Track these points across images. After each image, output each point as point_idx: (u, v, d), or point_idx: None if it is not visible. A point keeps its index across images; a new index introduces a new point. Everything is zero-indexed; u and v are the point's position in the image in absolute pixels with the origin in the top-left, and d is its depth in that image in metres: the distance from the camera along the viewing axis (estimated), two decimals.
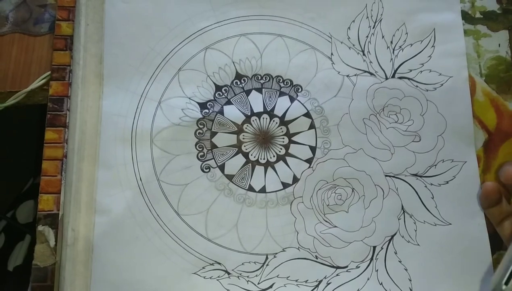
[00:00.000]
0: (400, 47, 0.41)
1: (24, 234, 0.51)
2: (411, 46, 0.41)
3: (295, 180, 0.37)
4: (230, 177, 0.37)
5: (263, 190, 0.37)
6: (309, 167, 0.38)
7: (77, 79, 0.38)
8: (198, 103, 0.38)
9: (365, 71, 0.40)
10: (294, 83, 0.39)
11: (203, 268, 0.35)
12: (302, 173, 0.37)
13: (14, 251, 0.50)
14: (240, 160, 0.38)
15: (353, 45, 0.40)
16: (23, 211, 0.52)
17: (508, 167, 0.34)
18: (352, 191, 0.38)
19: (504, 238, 0.35)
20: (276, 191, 0.37)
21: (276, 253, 0.36)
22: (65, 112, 0.38)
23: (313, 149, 0.38)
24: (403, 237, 0.37)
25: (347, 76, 0.40)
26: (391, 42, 0.41)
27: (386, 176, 0.38)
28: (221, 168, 0.37)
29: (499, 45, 0.42)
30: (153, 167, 0.37)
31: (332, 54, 0.40)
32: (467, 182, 0.39)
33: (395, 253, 0.37)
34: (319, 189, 0.37)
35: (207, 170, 0.37)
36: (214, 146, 0.38)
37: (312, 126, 0.38)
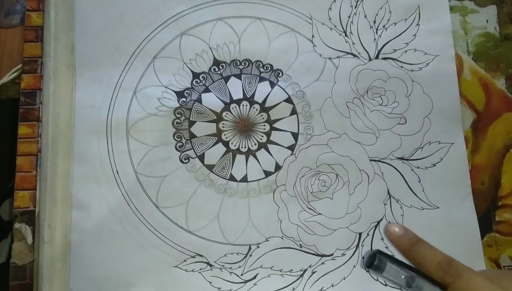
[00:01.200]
0: (384, 26, 0.39)
1: (8, 231, 0.50)
2: (395, 25, 0.39)
3: (278, 167, 0.37)
4: (210, 167, 0.36)
5: (244, 179, 0.36)
6: (291, 154, 0.37)
7: (49, 71, 0.37)
8: (175, 92, 0.37)
9: (348, 53, 0.39)
10: (274, 68, 0.38)
11: (185, 260, 0.35)
12: (284, 160, 0.37)
13: None
14: (220, 149, 0.37)
15: (335, 26, 0.39)
16: (7, 208, 0.51)
17: (388, 226, 0.32)
18: (336, 177, 0.37)
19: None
20: (258, 180, 0.36)
21: (259, 243, 0.35)
22: (38, 106, 0.37)
23: (295, 135, 0.37)
24: (389, 222, 0.36)
25: (329, 58, 0.39)
26: (374, 21, 0.39)
27: (371, 160, 0.37)
28: (201, 158, 0.36)
29: (487, 21, 0.41)
30: (130, 159, 0.36)
31: (313, 36, 0.39)
32: (455, 164, 0.38)
33: (382, 239, 0.36)
34: (302, 176, 0.36)
35: (186, 161, 0.36)
36: (192, 136, 0.36)
37: (293, 112, 0.37)
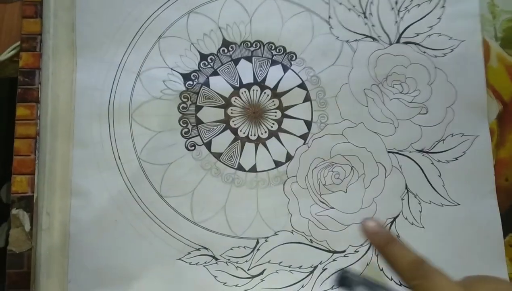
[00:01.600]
0: (406, 8, 0.37)
1: (8, 215, 0.49)
2: (418, 7, 0.37)
3: (289, 157, 0.35)
4: (217, 155, 0.34)
5: (253, 169, 0.34)
6: (304, 143, 0.35)
7: (48, 50, 0.35)
8: (181, 74, 0.35)
9: (367, 36, 0.36)
10: (287, 51, 0.36)
11: (189, 253, 0.33)
12: (296, 150, 0.35)
13: None
14: (228, 136, 0.35)
15: (353, 6, 0.37)
16: (7, 190, 0.50)
17: (364, 222, 0.30)
18: (351, 169, 0.35)
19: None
20: (267, 170, 0.34)
21: (268, 237, 0.34)
22: (37, 86, 0.35)
23: (308, 124, 0.35)
24: (406, 219, 0.34)
25: (347, 41, 0.36)
26: (396, 2, 0.37)
27: (388, 152, 0.35)
28: (208, 145, 0.34)
29: None
30: (133, 144, 0.34)
31: (330, 17, 0.36)
32: (479, 158, 0.36)
33: (398, 236, 0.34)
34: (315, 167, 0.35)
35: (192, 148, 0.34)
36: (199, 121, 0.35)
37: (307, 98, 0.35)
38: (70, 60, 0.35)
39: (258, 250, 0.34)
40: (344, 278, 0.28)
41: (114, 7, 0.35)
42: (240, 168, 0.34)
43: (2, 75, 0.37)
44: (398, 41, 0.36)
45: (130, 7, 0.35)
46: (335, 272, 0.32)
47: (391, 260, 0.29)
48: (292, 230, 0.34)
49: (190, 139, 0.35)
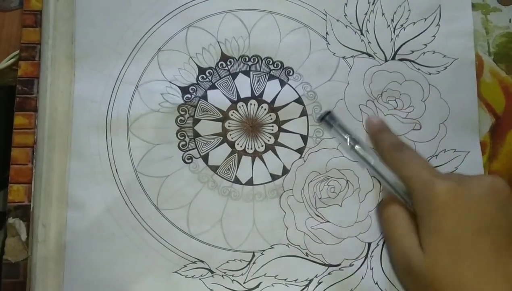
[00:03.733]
0: (402, 25, 0.38)
1: (3, 223, 0.48)
2: (413, 25, 0.38)
3: (285, 171, 0.35)
4: (214, 168, 0.35)
5: (250, 182, 0.35)
6: (300, 157, 0.35)
7: (46, 60, 0.35)
8: (180, 87, 0.35)
9: (363, 52, 0.37)
10: (285, 66, 0.36)
11: (185, 266, 0.33)
12: (292, 163, 0.35)
13: None
14: (225, 149, 0.35)
15: (350, 23, 0.37)
16: (1, 199, 0.50)
17: (368, 118, 0.35)
18: (347, 183, 0.35)
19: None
20: (264, 183, 0.35)
21: (264, 250, 0.34)
22: (35, 95, 0.35)
23: (304, 138, 0.35)
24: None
25: (343, 57, 0.37)
26: (392, 20, 0.38)
27: None
28: (205, 158, 0.35)
29: (510, 20, 0.39)
30: (130, 157, 0.34)
31: (327, 33, 0.37)
32: (470, 173, 0.36)
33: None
34: (311, 181, 0.35)
35: (190, 161, 0.35)
36: (197, 134, 0.35)
37: (303, 113, 0.36)
38: (68, 71, 0.35)
39: (254, 263, 0.34)
40: (327, 115, 0.34)
41: (114, 20, 0.35)
42: (237, 181, 0.35)
43: (1, 84, 0.37)
44: (393, 58, 0.37)
45: (130, 20, 0.36)
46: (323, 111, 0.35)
47: (378, 143, 0.34)
48: (288, 244, 0.34)
49: (187, 152, 0.35)
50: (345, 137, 0.33)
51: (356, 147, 0.33)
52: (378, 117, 0.35)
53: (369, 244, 0.35)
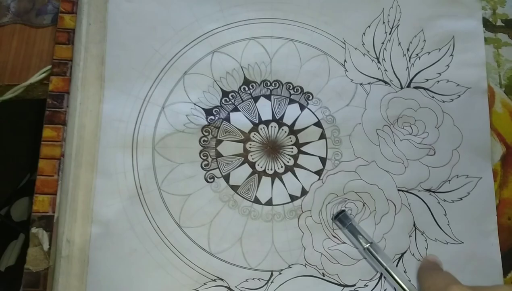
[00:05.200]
0: (417, 55, 0.39)
1: (18, 233, 0.49)
2: (428, 55, 0.39)
3: (304, 192, 0.36)
4: (235, 188, 0.35)
5: (269, 203, 0.35)
6: (318, 179, 0.36)
7: (77, 81, 0.36)
8: (204, 109, 0.36)
9: (380, 80, 0.38)
10: (304, 91, 0.38)
11: (205, 284, 0.34)
12: (311, 185, 0.36)
13: (7, 250, 0.48)
14: (246, 170, 0.36)
15: (368, 51, 0.39)
16: (18, 209, 0.50)
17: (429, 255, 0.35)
18: (363, 205, 0.36)
19: None
20: (283, 204, 0.35)
21: (282, 270, 0.34)
22: (64, 109, 0.36)
23: (323, 160, 0.36)
24: (413, 255, 0.36)
25: (361, 84, 0.38)
26: (408, 49, 0.39)
27: (398, 190, 0.37)
28: (226, 178, 0.36)
29: None
30: (155, 175, 0.35)
31: (345, 61, 0.38)
32: (482, 199, 0.37)
33: (405, 271, 0.35)
34: (329, 203, 0.36)
35: (211, 180, 0.35)
36: (219, 155, 0.36)
37: (322, 136, 0.37)
38: (97, 91, 0.36)
39: (272, 282, 0.34)
40: (341, 214, 0.34)
41: (142, 44, 0.37)
42: (257, 201, 0.35)
43: (30, 97, 0.38)
44: (408, 86, 0.38)
45: (158, 44, 0.37)
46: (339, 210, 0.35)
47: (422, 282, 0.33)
48: (305, 264, 0.35)
49: (209, 172, 0.36)
50: (359, 237, 0.34)
51: (368, 246, 0.33)
52: (435, 256, 0.35)
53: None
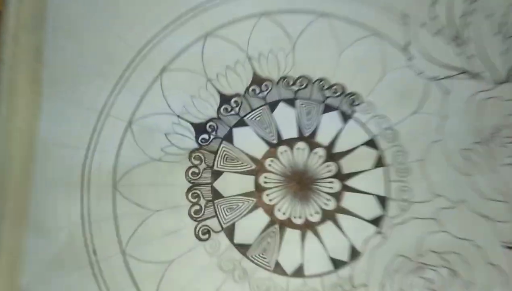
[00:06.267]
0: None
1: None
2: None
3: (355, 254, 0.28)
4: (244, 249, 0.28)
5: (300, 273, 0.27)
6: (377, 233, 0.28)
7: (2, 86, 0.28)
8: (193, 124, 0.29)
9: (464, 72, 0.29)
10: (347, 92, 0.29)
11: None
12: (366, 243, 0.28)
13: None
14: (260, 218, 0.28)
15: (442, 28, 0.30)
16: None
17: None
18: (451, 274, 0.27)
19: None
20: (322, 275, 0.27)
21: None
22: None
23: (382, 201, 0.28)
24: None
25: (435, 79, 0.29)
26: (504, 23, 0.29)
27: (506, 247, 0.28)
28: (229, 232, 0.28)
29: None
30: (116, 231, 0.27)
31: (408, 43, 0.30)
32: None
33: None
34: (396, 272, 0.27)
35: (206, 236, 0.28)
36: (217, 195, 0.28)
37: (380, 162, 0.29)
38: (31, 102, 0.29)
39: None
40: None
41: (99, 29, 0.29)
42: (279, 269, 0.27)
43: None
44: (508, 80, 0.29)
45: (121, 29, 0.30)
46: None
47: None
48: None
49: (202, 223, 0.28)
50: None
51: None
52: None
53: None
